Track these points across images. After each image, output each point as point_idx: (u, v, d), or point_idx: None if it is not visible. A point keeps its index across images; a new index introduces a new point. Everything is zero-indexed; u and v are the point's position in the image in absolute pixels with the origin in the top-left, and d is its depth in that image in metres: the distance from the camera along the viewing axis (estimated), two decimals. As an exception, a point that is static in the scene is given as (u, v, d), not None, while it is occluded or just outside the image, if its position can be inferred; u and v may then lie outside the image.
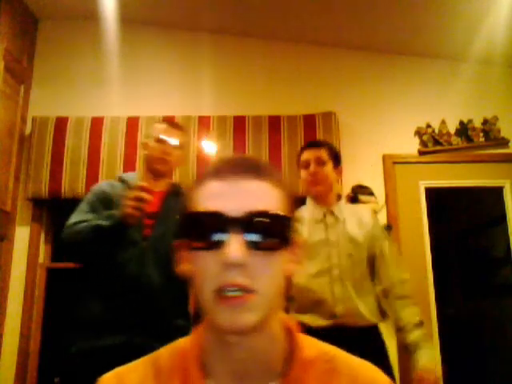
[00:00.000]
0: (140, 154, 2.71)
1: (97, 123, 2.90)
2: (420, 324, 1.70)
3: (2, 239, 2.73)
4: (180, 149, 1.86)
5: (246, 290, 0.57)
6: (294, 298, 1.82)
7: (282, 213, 0.62)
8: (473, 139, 2.99)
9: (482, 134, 3.00)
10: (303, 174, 1.91)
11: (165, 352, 0.68)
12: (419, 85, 3.10)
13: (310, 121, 2.92)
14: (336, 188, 1.93)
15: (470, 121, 3.02)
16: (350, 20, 2.92)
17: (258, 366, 0.63)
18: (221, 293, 0.57)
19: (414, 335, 1.68)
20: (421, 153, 3.00)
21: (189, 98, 3.06)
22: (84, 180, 2.79)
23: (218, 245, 0.58)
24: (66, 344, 1.66)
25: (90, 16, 2.88)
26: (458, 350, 3.16)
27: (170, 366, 0.65)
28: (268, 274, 0.59)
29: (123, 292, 1.60)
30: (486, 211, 3.34)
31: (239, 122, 2.92)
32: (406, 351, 1.73)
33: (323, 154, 1.87)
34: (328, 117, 2.92)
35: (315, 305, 1.76)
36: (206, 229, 0.59)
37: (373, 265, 1.83)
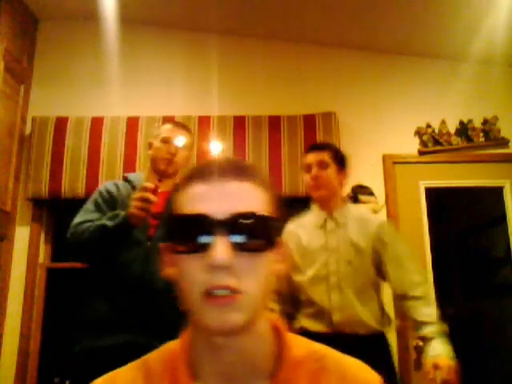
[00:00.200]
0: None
1: (97, 123, 2.90)
2: (436, 323, 1.65)
3: (2, 239, 2.73)
4: (185, 149, 1.85)
5: (233, 291, 0.57)
6: (303, 304, 1.80)
7: (267, 214, 0.62)
8: (473, 139, 2.99)
9: (482, 134, 3.00)
10: (306, 177, 1.87)
11: (154, 355, 0.68)
12: (419, 85, 3.10)
13: (309, 121, 2.92)
14: (340, 192, 1.88)
15: (470, 121, 3.02)
16: (350, 20, 2.92)
17: (246, 367, 0.63)
18: (208, 297, 0.57)
19: (428, 329, 1.63)
20: (421, 153, 3.00)
21: (189, 98, 3.06)
22: (84, 180, 2.79)
23: (204, 247, 0.58)
24: (69, 344, 1.66)
25: (90, 16, 2.88)
26: (457, 349, 3.16)
27: (160, 369, 0.65)
28: (254, 274, 0.59)
29: (127, 292, 1.59)
30: (486, 211, 3.34)
31: (239, 122, 2.92)
32: (419, 349, 1.69)
33: (325, 157, 1.82)
34: (328, 117, 2.92)
35: (316, 311, 1.75)
36: (191, 231, 0.59)
37: (381, 270, 1.77)
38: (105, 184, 1.86)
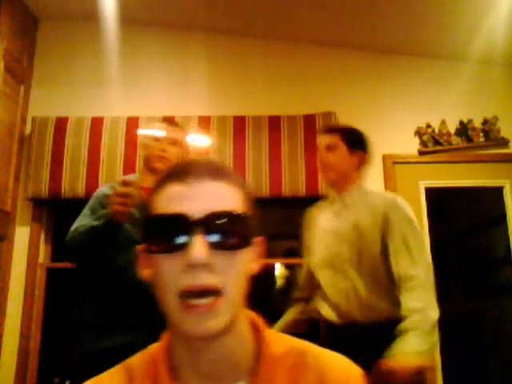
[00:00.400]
0: (140, 154, 2.72)
1: (97, 123, 2.90)
2: (418, 312, 1.50)
3: (2, 239, 2.73)
4: (177, 145, 1.85)
5: (213, 292, 0.58)
6: (317, 286, 1.79)
7: (242, 212, 0.63)
8: (473, 139, 2.99)
9: (482, 134, 3.00)
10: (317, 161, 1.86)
11: (136, 358, 0.69)
12: (419, 85, 3.10)
13: (310, 121, 2.92)
14: (352, 173, 1.79)
15: (470, 121, 3.02)
16: (350, 20, 2.92)
17: (226, 366, 0.64)
18: (186, 298, 0.57)
19: (404, 322, 1.49)
20: (421, 153, 3.00)
21: (189, 98, 3.06)
22: (84, 180, 2.79)
23: (181, 247, 0.58)
24: (69, 344, 1.66)
25: (90, 16, 2.88)
26: (457, 349, 3.16)
27: (142, 371, 0.66)
28: (233, 272, 0.60)
29: (126, 293, 1.60)
30: (486, 211, 3.34)
31: (239, 122, 2.92)
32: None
33: (333, 139, 1.78)
34: (328, 117, 2.92)
35: (325, 295, 1.74)
36: (168, 231, 0.60)
37: (386, 253, 1.66)
38: (101, 188, 1.87)
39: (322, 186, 2.81)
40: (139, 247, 0.66)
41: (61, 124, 2.90)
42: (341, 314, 1.68)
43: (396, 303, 1.61)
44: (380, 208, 1.68)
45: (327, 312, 1.73)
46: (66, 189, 2.78)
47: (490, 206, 3.19)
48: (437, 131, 3.01)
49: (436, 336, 1.49)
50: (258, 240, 0.67)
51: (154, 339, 0.71)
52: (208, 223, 0.59)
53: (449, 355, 2.77)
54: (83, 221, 1.68)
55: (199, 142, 1.79)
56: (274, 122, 2.92)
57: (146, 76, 3.10)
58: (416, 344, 1.43)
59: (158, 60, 3.14)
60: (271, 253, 3.46)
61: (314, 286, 1.83)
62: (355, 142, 1.80)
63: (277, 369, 0.64)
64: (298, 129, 2.91)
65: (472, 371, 3.33)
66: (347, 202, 1.77)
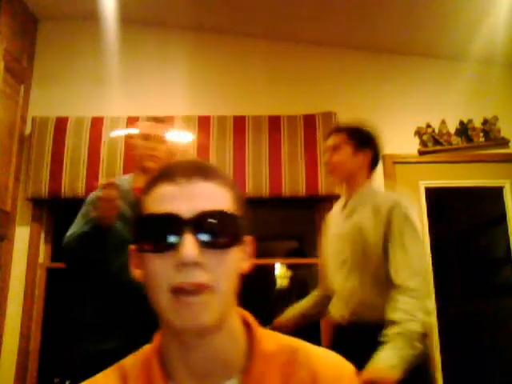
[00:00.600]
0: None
1: (97, 123, 2.90)
2: (399, 322, 1.45)
3: (2, 239, 2.73)
4: (166, 143, 1.84)
5: (204, 289, 0.59)
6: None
7: (232, 212, 0.64)
8: (473, 139, 2.99)
9: (482, 134, 3.00)
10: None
11: (130, 359, 0.70)
12: (419, 85, 3.10)
13: (310, 121, 2.92)
14: (360, 172, 1.76)
15: (470, 121, 3.02)
16: (350, 20, 2.92)
17: (218, 363, 0.64)
18: (178, 295, 0.58)
19: (384, 334, 1.46)
20: (421, 153, 3.00)
21: (189, 98, 3.06)
22: (84, 180, 2.79)
23: (173, 246, 0.59)
24: (69, 344, 1.67)
25: (90, 16, 2.88)
26: (457, 349, 3.16)
27: (136, 372, 0.67)
28: (223, 270, 0.61)
29: (122, 294, 1.59)
30: (486, 211, 3.33)
31: (239, 122, 2.92)
32: None
33: (338, 140, 1.76)
34: (328, 117, 2.92)
35: (334, 297, 1.75)
36: (160, 231, 0.61)
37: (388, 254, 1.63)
38: (93, 193, 1.86)
39: (322, 186, 2.82)
40: (131, 247, 0.67)
41: (61, 124, 2.90)
42: (348, 314, 1.68)
43: None
44: (383, 210, 1.65)
45: (336, 312, 1.74)
46: (65, 189, 2.78)
47: (490, 205, 3.19)
48: (437, 131, 3.01)
49: (412, 348, 1.41)
50: (248, 239, 0.68)
51: (150, 340, 0.71)
52: (198, 222, 0.60)
53: (449, 355, 2.77)
54: (76, 228, 1.68)
55: (181, 139, 1.78)
56: (274, 122, 2.92)
57: (145, 76, 3.10)
58: (386, 358, 1.40)
59: (158, 60, 3.14)
60: (271, 253, 3.46)
61: (328, 286, 1.85)
62: (362, 140, 1.77)
63: (269, 366, 0.65)
64: (297, 129, 2.91)
65: (472, 371, 3.33)
66: (355, 204, 1.75)
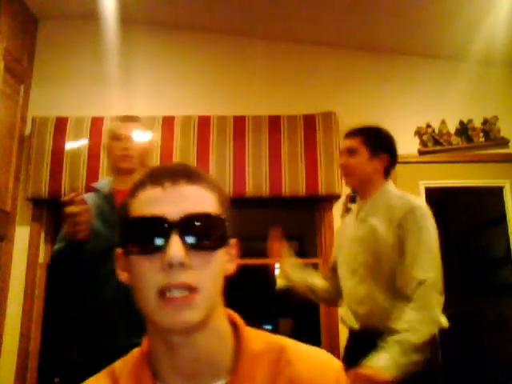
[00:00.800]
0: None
1: (97, 123, 2.90)
2: (407, 330, 1.45)
3: (2, 239, 2.73)
4: (138, 141, 1.80)
5: (189, 289, 0.60)
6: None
7: (218, 214, 0.65)
8: (473, 139, 2.99)
9: (482, 134, 3.00)
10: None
11: (120, 362, 0.71)
12: (419, 85, 3.10)
13: (310, 121, 2.92)
14: (375, 177, 1.73)
15: (470, 121, 3.02)
16: (350, 20, 2.92)
17: (205, 363, 0.65)
18: (164, 294, 0.60)
19: (384, 340, 1.46)
20: (421, 153, 3.00)
21: (189, 98, 3.06)
22: (84, 180, 2.79)
23: (160, 248, 0.61)
24: (68, 345, 1.67)
25: (90, 16, 2.88)
26: (457, 349, 3.16)
27: (126, 373, 0.68)
28: (209, 272, 0.63)
29: (114, 298, 1.59)
30: (486, 211, 3.34)
31: (239, 122, 2.92)
32: None
33: (355, 143, 1.74)
34: (328, 117, 2.92)
35: (346, 302, 1.75)
36: (146, 233, 0.62)
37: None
38: None
39: (322, 186, 2.82)
40: (117, 250, 0.69)
41: (61, 124, 2.90)
42: (360, 320, 1.67)
43: None
44: (397, 214, 1.62)
45: (349, 319, 1.73)
46: (65, 189, 2.78)
47: (490, 206, 3.19)
48: (437, 131, 3.01)
49: (407, 357, 1.43)
50: (233, 242, 0.70)
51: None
52: (185, 225, 0.61)
53: (449, 355, 2.77)
54: (59, 242, 1.65)
55: (142, 137, 1.76)
56: (274, 122, 2.92)
57: (146, 76, 3.10)
58: (379, 360, 1.42)
59: (158, 60, 3.15)
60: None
61: (336, 287, 1.86)
62: (378, 144, 1.75)
63: (256, 365, 0.66)
64: (297, 129, 2.91)
65: (472, 371, 3.33)
66: (369, 208, 1.72)
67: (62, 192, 2.78)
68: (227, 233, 0.67)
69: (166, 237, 0.61)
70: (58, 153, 2.84)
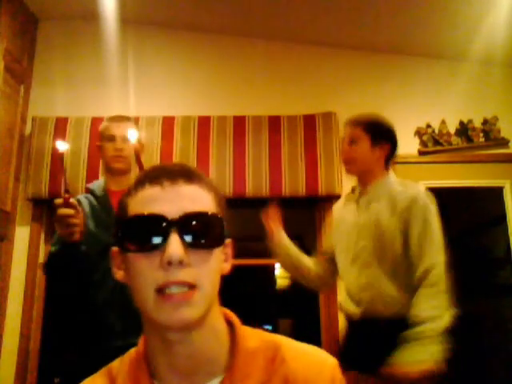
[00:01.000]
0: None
1: (97, 123, 2.90)
2: (433, 318, 1.48)
3: (2, 239, 2.73)
4: (131, 141, 1.78)
5: (188, 286, 0.61)
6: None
7: (216, 213, 0.67)
8: (473, 139, 2.99)
9: (482, 134, 3.00)
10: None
11: (117, 362, 0.72)
12: (419, 85, 3.10)
13: (309, 121, 2.92)
14: (376, 166, 1.75)
15: (470, 121, 3.02)
16: (349, 20, 2.92)
17: (201, 362, 0.66)
18: (163, 291, 0.60)
19: (411, 331, 1.47)
20: (421, 153, 3.00)
21: (189, 98, 3.06)
22: (84, 180, 2.79)
23: (158, 246, 0.62)
24: (67, 345, 1.67)
25: (90, 16, 2.88)
26: (457, 349, 3.16)
27: (123, 374, 0.68)
28: (206, 270, 0.64)
29: (110, 299, 1.59)
30: (486, 211, 3.33)
31: (239, 122, 2.92)
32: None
33: (356, 132, 1.75)
34: (328, 117, 2.92)
35: (348, 290, 1.74)
36: (146, 232, 0.63)
37: (407, 247, 1.63)
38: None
39: (322, 186, 2.82)
40: (113, 249, 0.69)
41: (61, 124, 2.90)
42: (363, 307, 1.66)
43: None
44: (401, 204, 1.65)
45: (350, 307, 1.72)
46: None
47: (489, 205, 3.19)
48: (437, 131, 3.01)
49: (439, 344, 1.46)
50: (228, 242, 0.71)
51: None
52: (183, 223, 0.62)
53: (449, 355, 2.77)
54: (54, 245, 1.64)
55: (135, 137, 1.75)
56: (274, 122, 2.92)
57: (145, 76, 3.10)
58: (416, 353, 1.44)
59: (158, 60, 3.14)
60: (271, 252, 3.46)
61: (331, 274, 1.87)
62: (379, 133, 1.76)
63: (251, 363, 0.66)
64: (298, 129, 2.91)
65: (472, 371, 3.33)
66: (371, 196, 1.73)
67: (62, 192, 2.77)
68: (224, 232, 0.67)
69: (165, 235, 0.61)
70: (57, 153, 2.84)
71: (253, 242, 1.90)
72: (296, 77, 3.11)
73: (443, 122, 3.02)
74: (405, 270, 1.62)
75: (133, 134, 1.73)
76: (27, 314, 2.75)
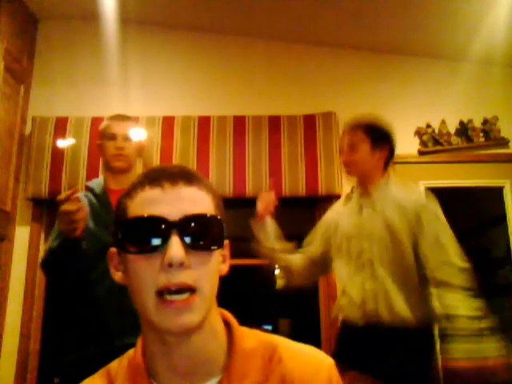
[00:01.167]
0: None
1: (97, 123, 2.89)
2: (464, 316, 1.49)
3: (2, 239, 2.73)
4: (132, 140, 1.80)
5: (189, 290, 0.61)
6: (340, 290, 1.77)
7: (215, 215, 0.67)
8: (473, 139, 2.99)
9: (481, 134, 3.00)
10: (340, 159, 1.86)
11: (115, 362, 0.72)
12: (419, 85, 3.10)
13: (310, 121, 2.92)
14: (377, 169, 1.74)
15: (470, 121, 3.02)
16: (349, 20, 2.92)
17: (200, 362, 0.66)
18: (164, 296, 0.60)
19: (453, 323, 1.48)
20: (421, 153, 3.00)
21: (189, 98, 3.06)
22: (84, 180, 2.79)
23: (159, 248, 0.62)
24: (66, 345, 1.67)
25: (90, 16, 2.88)
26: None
27: (122, 374, 0.68)
28: (206, 272, 0.64)
29: (108, 297, 1.59)
30: (486, 211, 3.33)
31: (239, 122, 2.92)
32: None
33: (355, 137, 1.73)
34: (328, 117, 2.92)
35: (350, 298, 1.69)
36: (146, 233, 0.63)
37: (418, 253, 1.62)
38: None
39: (322, 186, 2.82)
40: (111, 250, 0.69)
41: (61, 124, 2.90)
42: (365, 314, 1.63)
43: (424, 305, 1.59)
44: (410, 208, 1.63)
45: (349, 312, 1.69)
46: (65, 189, 2.78)
47: (489, 206, 3.19)
48: (437, 131, 3.01)
49: (478, 335, 1.50)
50: (226, 243, 0.71)
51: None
52: (184, 225, 0.62)
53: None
54: (51, 242, 1.64)
55: (136, 136, 1.75)
56: (274, 122, 2.92)
57: (145, 76, 3.10)
58: (468, 349, 1.46)
59: (158, 60, 3.14)
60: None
61: (313, 274, 1.87)
62: (379, 136, 1.74)
63: (249, 363, 0.67)
64: (297, 129, 2.91)
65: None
66: (374, 199, 1.71)
67: (62, 192, 2.77)
68: (223, 233, 0.67)
69: (166, 237, 0.61)
70: (57, 153, 2.84)
71: (253, 242, 1.90)
72: (296, 77, 3.11)
73: (443, 122, 3.02)
74: (412, 277, 1.61)
75: (134, 134, 1.74)
76: (27, 314, 2.75)
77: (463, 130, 3.01)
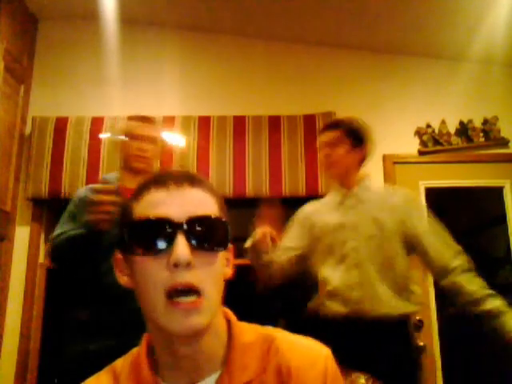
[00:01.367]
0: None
1: (97, 123, 2.90)
2: (495, 294, 1.65)
3: (2, 239, 2.73)
4: (154, 143, 1.82)
5: (196, 292, 0.61)
6: (320, 285, 1.78)
7: (220, 217, 0.68)
8: (473, 139, 2.99)
9: (481, 134, 3.00)
10: (319, 157, 1.90)
11: (120, 360, 0.73)
12: (419, 85, 3.10)
13: (309, 121, 2.92)
14: (356, 169, 1.81)
15: (470, 121, 3.02)
16: (349, 20, 2.92)
17: (204, 359, 0.67)
18: (172, 298, 0.61)
19: (493, 303, 1.67)
20: (421, 153, 3.00)
21: (189, 98, 3.06)
22: (84, 180, 2.79)
23: (165, 249, 0.63)
24: (63, 346, 1.67)
25: (90, 16, 2.88)
26: (457, 349, 3.16)
27: (126, 373, 0.69)
28: (211, 273, 0.65)
29: (112, 295, 1.59)
30: (486, 211, 3.33)
31: (239, 122, 2.92)
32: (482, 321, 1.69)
33: (336, 135, 1.78)
34: (328, 117, 2.91)
35: (334, 291, 1.71)
36: (152, 234, 0.64)
37: (412, 248, 1.69)
38: (79, 190, 1.85)
39: (322, 186, 2.82)
40: (117, 254, 0.70)
41: (61, 124, 2.90)
42: (351, 307, 1.66)
43: (409, 300, 1.65)
44: (399, 204, 1.71)
45: (334, 306, 1.70)
46: (65, 189, 2.78)
47: (490, 205, 3.19)
48: (437, 131, 3.01)
49: None
50: (230, 247, 0.72)
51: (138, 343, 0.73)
52: (189, 226, 0.64)
53: (448, 355, 2.77)
54: (62, 228, 1.65)
55: (173, 140, 1.78)
56: (274, 122, 2.92)
57: (145, 76, 3.10)
58: None
59: (158, 60, 3.14)
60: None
61: (309, 286, 1.86)
62: (358, 137, 1.81)
63: (248, 356, 0.68)
64: (297, 129, 2.91)
65: (472, 371, 3.33)
66: (360, 195, 1.77)
67: (62, 192, 2.78)
68: (228, 235, 0.69)
69: (172, 238, 0.63)
70: (58, 153, 2.84)
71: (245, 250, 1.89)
72: (296, 77, 3.11)
73: (443, 122, 3.02)
74: (401, 272, 1.66)
75: (158, 137, 1.79)
76: (27, 314, 2.75)
77: (463, 130, 3.01)
